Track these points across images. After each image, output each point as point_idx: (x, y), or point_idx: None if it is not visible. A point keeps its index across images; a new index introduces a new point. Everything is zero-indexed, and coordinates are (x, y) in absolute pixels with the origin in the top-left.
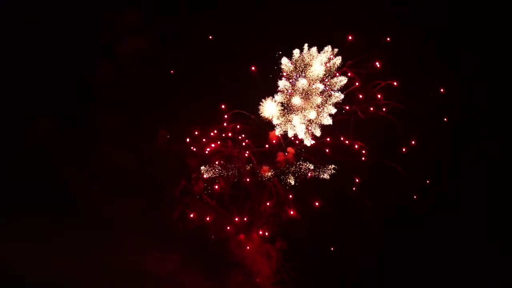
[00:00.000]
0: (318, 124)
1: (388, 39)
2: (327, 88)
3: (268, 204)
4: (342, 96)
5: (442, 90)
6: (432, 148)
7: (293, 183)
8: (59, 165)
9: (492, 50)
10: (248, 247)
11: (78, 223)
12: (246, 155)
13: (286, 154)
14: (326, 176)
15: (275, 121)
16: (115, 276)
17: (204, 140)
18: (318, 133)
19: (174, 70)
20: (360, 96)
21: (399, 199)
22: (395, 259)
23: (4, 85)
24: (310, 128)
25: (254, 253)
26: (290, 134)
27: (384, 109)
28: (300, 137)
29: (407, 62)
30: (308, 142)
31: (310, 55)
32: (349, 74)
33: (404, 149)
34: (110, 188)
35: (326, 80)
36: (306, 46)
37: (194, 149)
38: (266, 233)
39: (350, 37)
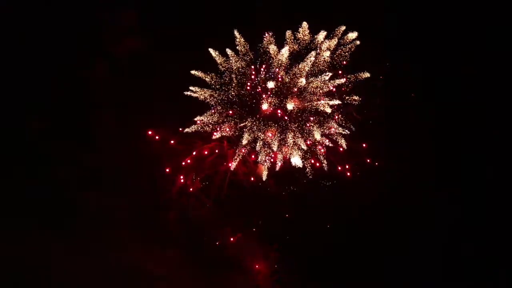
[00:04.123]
0: (322, 145)
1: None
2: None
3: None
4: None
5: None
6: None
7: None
8: (56, 165)
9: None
10: (246, 247)
11: (77, 223)
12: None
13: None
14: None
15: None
16: (115, 276)
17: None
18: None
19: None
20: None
21: (396, 199)
22: (394, 259)
23: (1, 85)
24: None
25: (252, 253)
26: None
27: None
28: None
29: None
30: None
31: (308, 37)
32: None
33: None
34: (108, 188)
35: (338, 76)
36: (305, 25)
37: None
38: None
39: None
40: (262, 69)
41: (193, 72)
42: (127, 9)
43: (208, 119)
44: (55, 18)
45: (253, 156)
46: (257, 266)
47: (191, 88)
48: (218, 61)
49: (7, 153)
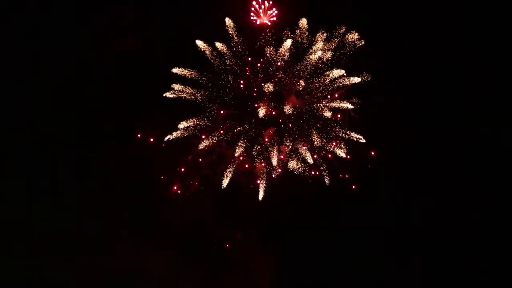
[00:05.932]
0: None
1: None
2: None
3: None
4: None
5: None
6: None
7: None
8: (56, 165)
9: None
10: (246, 247)
11: (77, 223)
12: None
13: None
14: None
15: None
16: (115, 276)
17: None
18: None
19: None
20: None
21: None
22: (393, 259)
23: (1, 85)
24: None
25: (252, 253)
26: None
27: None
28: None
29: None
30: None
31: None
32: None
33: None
34: (108, 188)
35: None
36: (304, 21)
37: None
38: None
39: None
40: (258, 67)
41: (175, 70)
42: (127, 9)
43: (205, 121)
44: (55, 18)
45: (247, 166)
46: (256, 266)
47: (186, 90)
48: (214, 62)
49: (7, 153)
